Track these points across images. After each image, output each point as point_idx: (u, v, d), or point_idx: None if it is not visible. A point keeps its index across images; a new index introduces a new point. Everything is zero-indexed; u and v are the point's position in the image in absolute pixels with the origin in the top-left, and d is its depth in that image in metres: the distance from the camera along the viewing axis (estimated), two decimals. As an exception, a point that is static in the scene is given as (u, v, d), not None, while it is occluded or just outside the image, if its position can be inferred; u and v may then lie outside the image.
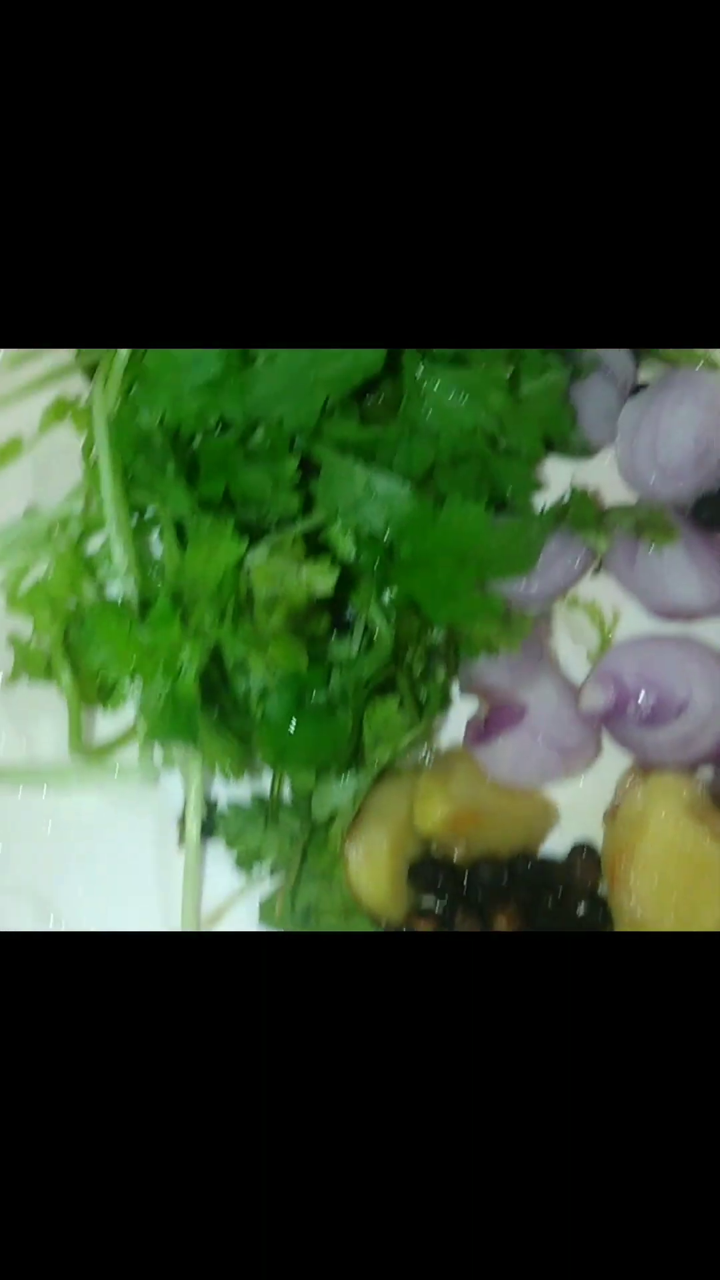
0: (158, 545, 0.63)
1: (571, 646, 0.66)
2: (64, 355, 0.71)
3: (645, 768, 0.63)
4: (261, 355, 0.60)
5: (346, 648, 0.62)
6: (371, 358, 0.59)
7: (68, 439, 0.69)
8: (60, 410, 0.69)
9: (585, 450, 0.66)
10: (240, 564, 0.56)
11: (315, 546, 0.61)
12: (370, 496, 0.59)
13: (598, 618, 0.65)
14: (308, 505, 0.61)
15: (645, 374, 0.67)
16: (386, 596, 0.61)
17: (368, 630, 0.62)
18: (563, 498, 0.63)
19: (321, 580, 0.55)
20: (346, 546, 0.60)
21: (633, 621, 0.65)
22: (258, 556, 0.57)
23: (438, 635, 0.62)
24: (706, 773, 0.63)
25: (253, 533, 0.61)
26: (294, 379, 0.59)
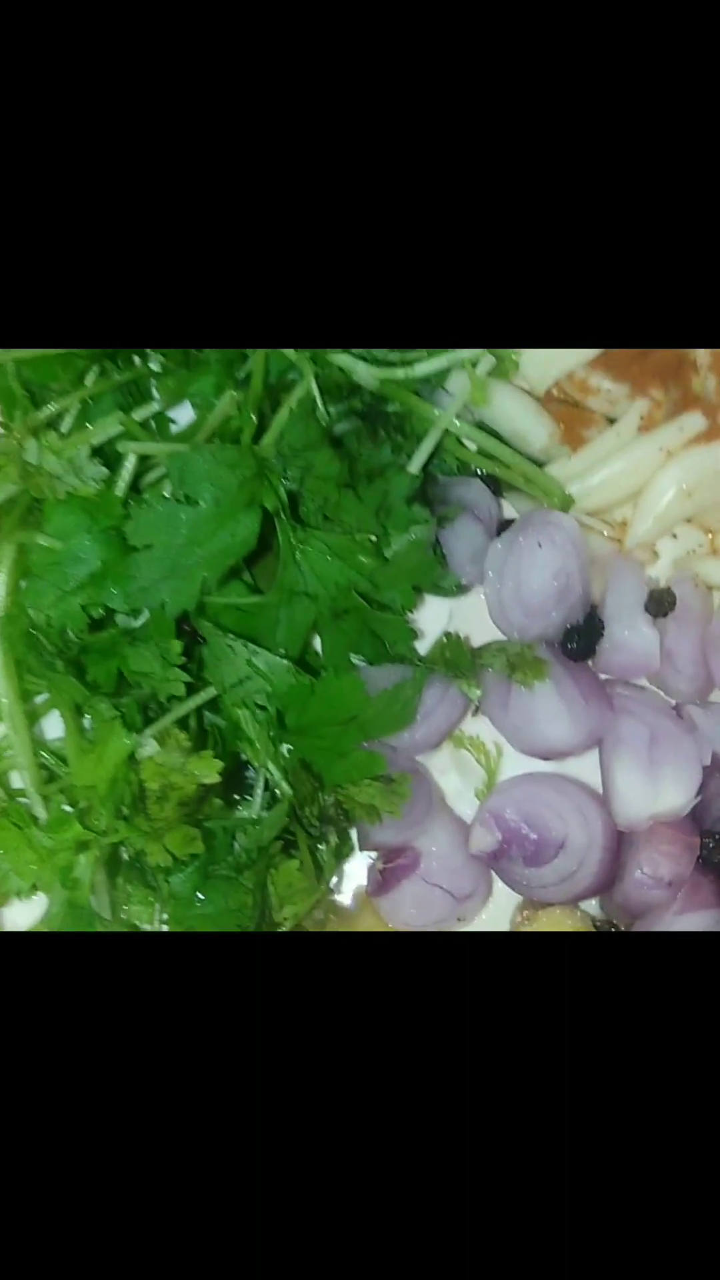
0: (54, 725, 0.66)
1: (461, 783, 0.69)
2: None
3: (535, 904, 0.65)
4: (139, 541, 0.62)
5: (249, 809, 0.65)
6: (245, 533, 0.62)
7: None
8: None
9: (457, 589, 0.69)
10: (131, 758, 0.58)
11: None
12: (253, 672, 0.62)
13: (483, 754, 0.68)
14: (198, 674, 0.64)
15: (509, 510, 0.71)
16: (281, 757, 0.64)
17: (268, 788, 0.65)
18: (438, 644, 0.66)
19: (208, 772, 0.58)
20: (236, 720, 0.63)
21: (516, 757, 0.68)
22: (147, 748, 0.60)
23: (329, 799, 0.65)
24: (591, 906, 0.66)
25: (145, 710, 0.64)
26: (173, 563, 0.61)
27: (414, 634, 0.66)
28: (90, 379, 0.69)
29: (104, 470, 0.64)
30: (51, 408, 0.66)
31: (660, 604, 0.65)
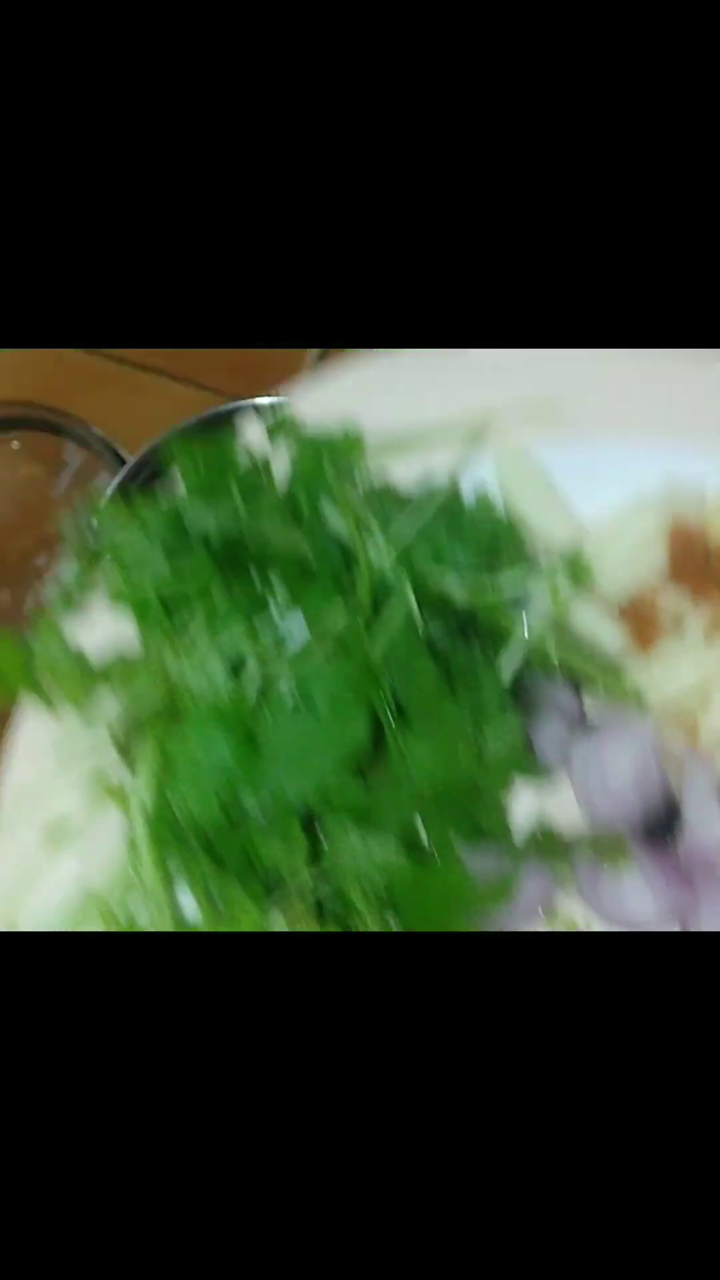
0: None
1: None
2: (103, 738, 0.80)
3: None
4: (268, 744, 0.70)
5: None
6: (359, 734, 0.69)
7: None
8: (105, 793, 0.79)
9: (543, 774, 0.75)
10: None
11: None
12: (365, 853, 0.70)
13: (574, 928, 0.74)
14: (317, 856, 0.72)
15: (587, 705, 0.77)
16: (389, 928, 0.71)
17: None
18: (532, 831, 0.73)
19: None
20: (350, 896, 0.70)
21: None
22: (275, 922, 0.67)
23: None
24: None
25: (270, 888, 0.72)
26: (297, 762, 0.69)
27: (509, 822, 0.72)
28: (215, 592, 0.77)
29: (232, 678, 0.72)
30: (183, 622, 0.74)
31: None
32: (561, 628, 0.73)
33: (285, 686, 0.71)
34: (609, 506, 0.75)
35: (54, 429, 0.99)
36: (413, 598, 0.70)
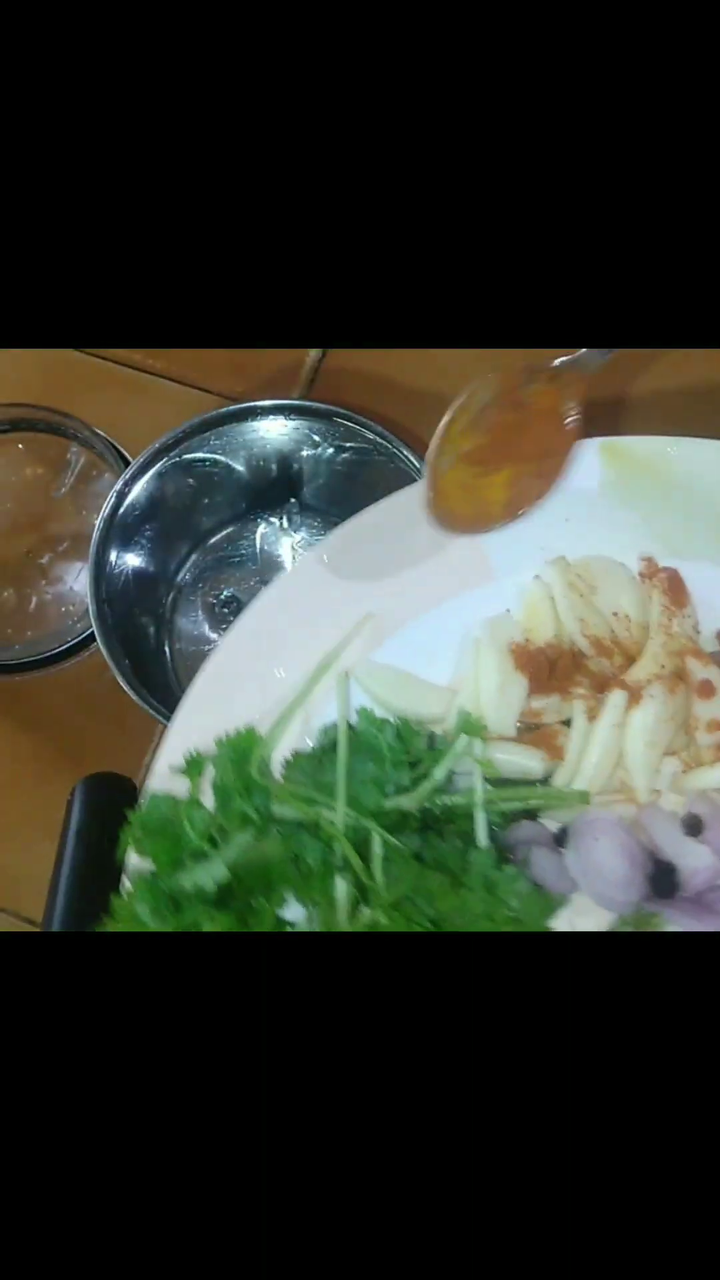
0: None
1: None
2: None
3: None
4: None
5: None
6: None
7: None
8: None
9: (562, 901, 0.75)
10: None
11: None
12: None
13: None
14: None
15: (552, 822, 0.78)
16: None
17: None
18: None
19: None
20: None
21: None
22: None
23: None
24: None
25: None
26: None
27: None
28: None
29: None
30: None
31: (693, 825, 0.76)
32: (494, 781, 0.76)
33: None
34: (453, 667, 0.80)
35: (56, 430, 1.00)
36: (384, 838, 0.71)
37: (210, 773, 0.73)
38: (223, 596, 1.01)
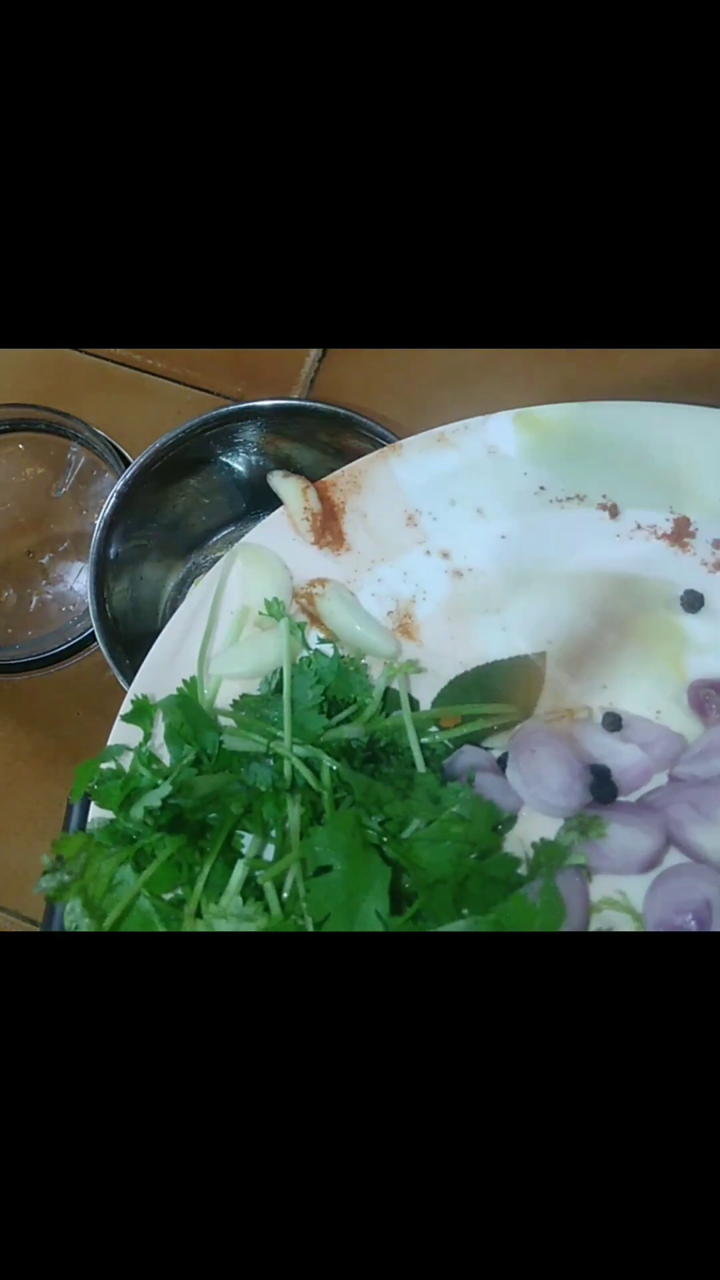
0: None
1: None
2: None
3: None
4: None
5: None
6: (375, 862, 0.68)
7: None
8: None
9: (514, 819, 0.77)
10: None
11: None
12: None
13: (626, 909, 0.75)
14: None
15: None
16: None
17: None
18: (534, 857, 0.73)
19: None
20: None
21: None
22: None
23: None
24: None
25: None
26: (341, 908, 0.68)
27: (518, 867, 0.74)
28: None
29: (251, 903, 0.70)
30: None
31: (613, 722, 0.79)
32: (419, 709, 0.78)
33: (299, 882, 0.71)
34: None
35: (57, 430, 1.00)
36: (334, 762, 0.73)
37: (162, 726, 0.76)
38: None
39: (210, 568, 1.01)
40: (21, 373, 1.10)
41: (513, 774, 0.77)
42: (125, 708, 0.77)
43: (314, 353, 1.09)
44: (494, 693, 0.79)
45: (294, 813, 0.71)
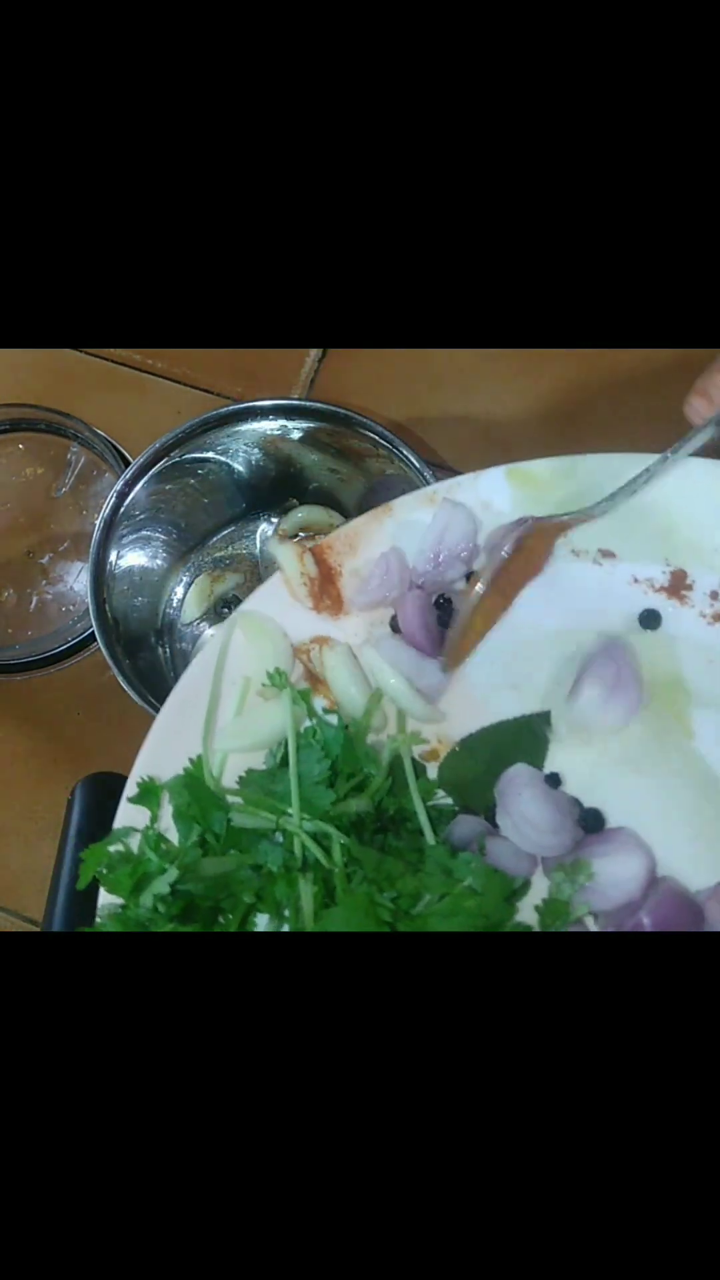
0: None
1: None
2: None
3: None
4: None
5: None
6: None
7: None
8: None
9: (526, 886, 0.74)
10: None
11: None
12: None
13: None
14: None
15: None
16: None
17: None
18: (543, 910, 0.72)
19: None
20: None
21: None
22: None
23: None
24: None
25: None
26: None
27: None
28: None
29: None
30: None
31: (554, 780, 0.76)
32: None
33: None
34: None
35: (56, 430, 1.00)
36: (340, 837, 0.71)
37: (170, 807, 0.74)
38: (223, 596, 1.01)
39: (210, 567, 1.01)
40: (21, 373, 1.10)
41: (503, 819, 0.75)
42: (130, 790, 0.75)
43: (314, 353, 1.09)
44: (501, 753, 0.77)
45: (306, 892, 0.69)
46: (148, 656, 0.95)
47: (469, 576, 0.80)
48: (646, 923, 0.70)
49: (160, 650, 0.98)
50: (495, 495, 0.80)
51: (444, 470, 1.03)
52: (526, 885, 0.73)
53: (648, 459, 0.77)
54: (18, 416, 1.00)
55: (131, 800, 0.74)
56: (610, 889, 0.72)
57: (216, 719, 0.77)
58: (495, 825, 0.75)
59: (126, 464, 0.94)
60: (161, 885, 0.68)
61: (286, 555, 0.80)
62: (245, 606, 0.80)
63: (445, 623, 0.79)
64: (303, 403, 0.93)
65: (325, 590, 0.80)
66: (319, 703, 0.78)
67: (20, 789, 1.01)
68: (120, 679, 0.86)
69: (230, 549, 1.02)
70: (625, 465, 0.78)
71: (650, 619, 0.78)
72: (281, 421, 0.93)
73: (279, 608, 0.80)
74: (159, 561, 0.99)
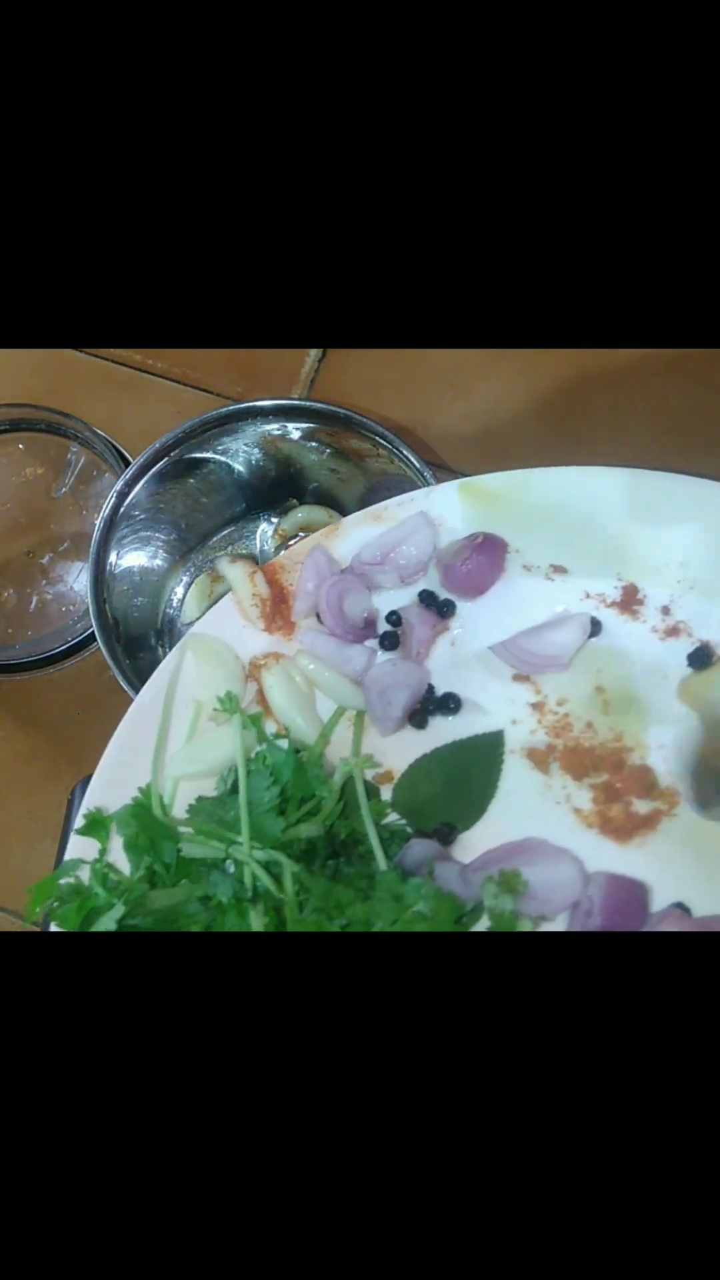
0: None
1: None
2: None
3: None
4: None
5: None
6: None
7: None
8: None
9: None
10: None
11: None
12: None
13: None
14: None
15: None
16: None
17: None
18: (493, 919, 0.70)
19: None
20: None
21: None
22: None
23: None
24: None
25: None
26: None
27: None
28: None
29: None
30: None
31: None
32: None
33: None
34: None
35: (56, 430, 1.00)
36: (289, 865, 0.70)
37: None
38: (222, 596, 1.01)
39: (210, 567, 1.01)
40: (21, 373, 1.10)
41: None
42: (78, 822, 0.74)
43: (314, 353, 1.09)
44: (455, 775, 0.76)
45: (257, 924, 0.68)
46: (148, 656, 0.95)
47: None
48: (599, 919, 0.70)
49: (160, 650, 0.98)
50: (448, 512, 0.79)
51: (444, 470, 1.03)
52: (479, 909, 0.72)
53: (602, 473, 0.77)
54: (18, 416, 1.00)
55: (79, 832, 0.73)
56: (553, 893, 0.72)
57: (167, 746, 0.76)
58: (446, 845, 0.74)
59: (126, 464, 0.94)
60: (108, 921, 0.67)
61: (237, 576, 0.79)
62: (196, 629, 0.79)
63: (394, 641, 0.78)
64: (303, 403, 0.93)
65: (278, 610, 0.79)
66: (269, 726, 0.77)
67: (20, 789, 1.01)
68: (120, 679, 0.86)
69: (230, 549, 1.02)
70: (578, 480, 0.77)
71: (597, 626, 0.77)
72: (281, 421, 0.93)
73: (231, 629, 0.78)
74: (159, 561, 0.99)
